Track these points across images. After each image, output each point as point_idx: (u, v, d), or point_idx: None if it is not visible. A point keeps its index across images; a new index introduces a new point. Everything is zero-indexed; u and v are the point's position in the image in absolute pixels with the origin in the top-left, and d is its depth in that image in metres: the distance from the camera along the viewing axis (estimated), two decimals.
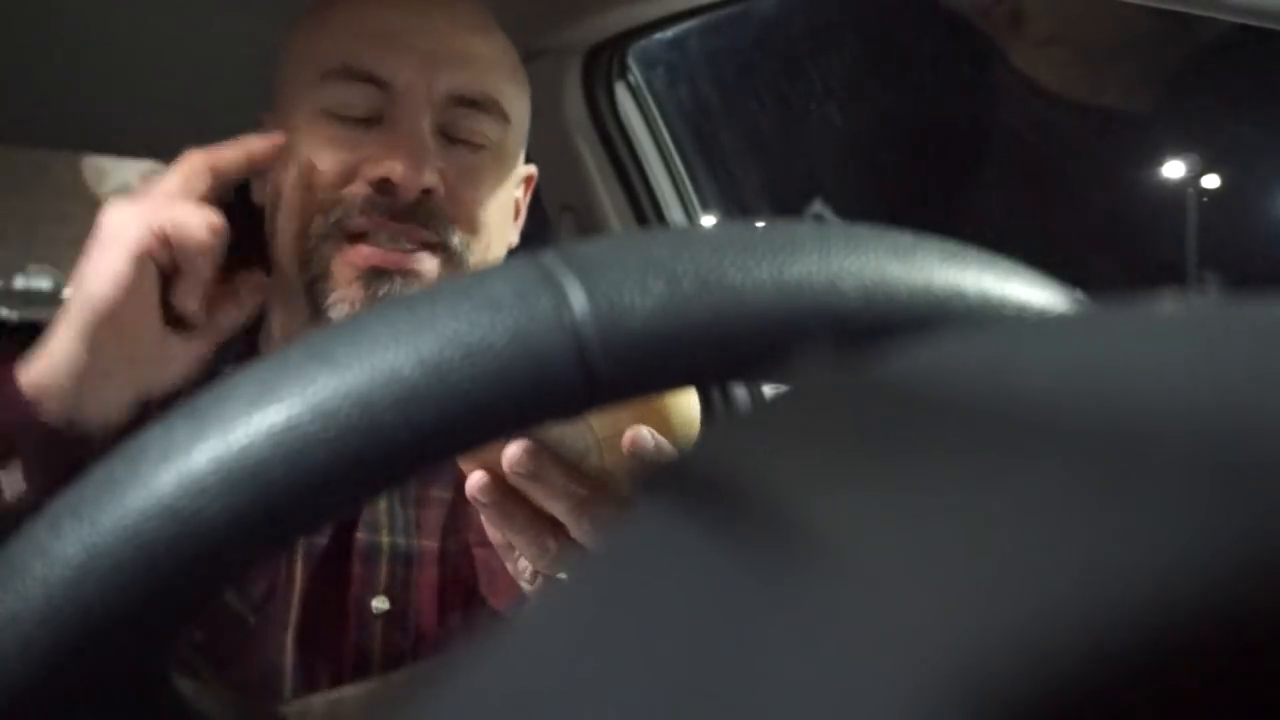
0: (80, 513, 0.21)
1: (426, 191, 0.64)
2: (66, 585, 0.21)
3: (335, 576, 0.66)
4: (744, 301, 0.23)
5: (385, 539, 0.67)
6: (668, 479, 0.15)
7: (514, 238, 0.76)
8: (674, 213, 1.23)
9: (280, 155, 0.66)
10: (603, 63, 1.20)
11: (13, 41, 1.17)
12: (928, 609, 0.11)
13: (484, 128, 0.67)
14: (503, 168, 0.69)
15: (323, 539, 0.67)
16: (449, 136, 0.67)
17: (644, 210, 1.22)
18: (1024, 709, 0.10)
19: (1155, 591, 0.10)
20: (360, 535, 0.67)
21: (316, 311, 0.66)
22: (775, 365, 0.24)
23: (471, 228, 0.67)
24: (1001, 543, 0.11)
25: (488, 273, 0.24)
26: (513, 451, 0.42)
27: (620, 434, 0.43)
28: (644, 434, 0.42)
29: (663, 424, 0.44)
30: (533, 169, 0.78)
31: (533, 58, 1.19)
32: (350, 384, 0.22)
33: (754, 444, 0.16)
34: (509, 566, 0.48)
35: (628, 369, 0.23)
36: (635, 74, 1.24)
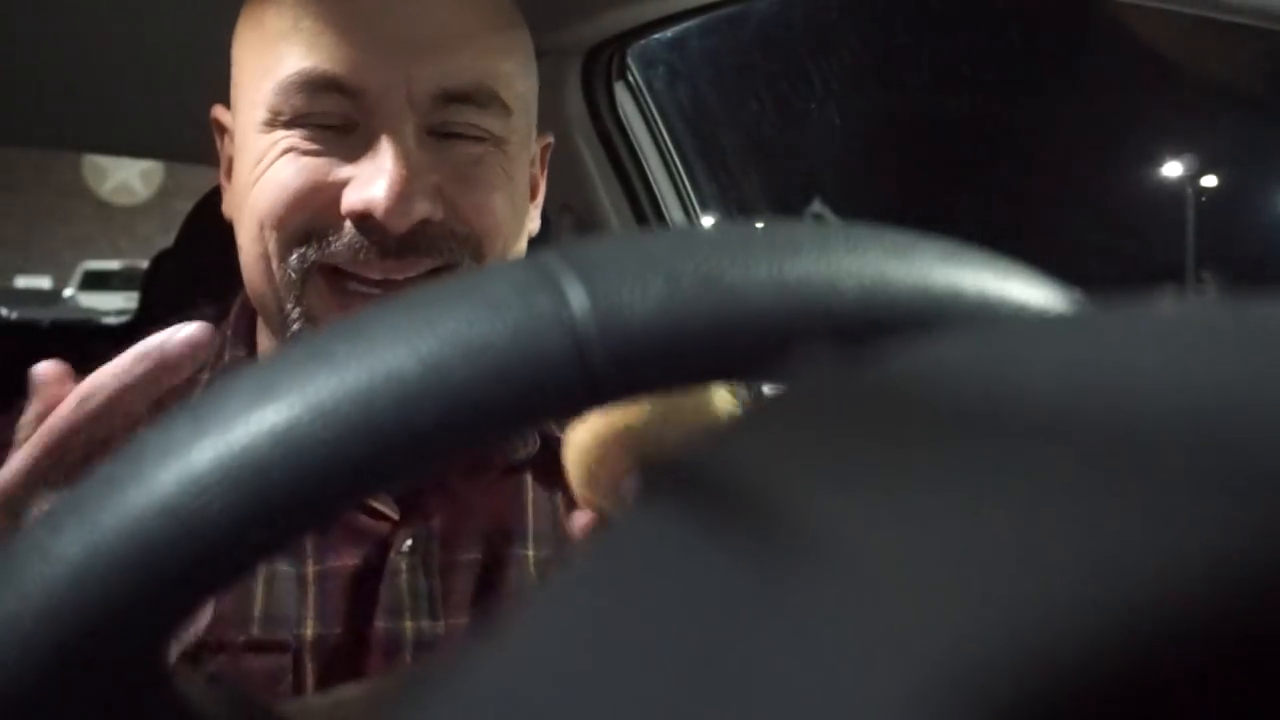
0: (80, 512, 0.21)
1: (423, 221, 0.54)
2: (66, 585, 0.21)
3: (352, 673, 0.57)
4: (744, 301, 0.23)
5: (408, 624, 0.58)
6: (668, 478, 0.16)
7: (535, 224, 0.65)
8: (674, 213, 1.23)
9: (242, 166, 0.58)
10: (603, 63, 1.20)
11: (13, 41, 1.17)
12: (928, 609, 0.11)
13: (482, 122, 0.56)
14: (511, 160, 0.58)
15: (336, 629, 0.57)
16: (440, 134, 0.55)
17: (644, 210, 1.22)
18: (1024, 709, 0.10)
19: (1156, 592, 0.10)
20: (379, 624, 0.57)
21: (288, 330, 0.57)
22: (775, 365, 0.24)
23: (484, 239, 0.56)
24: (1002, 543, 0.11)
25: (488, 272, 0.24)
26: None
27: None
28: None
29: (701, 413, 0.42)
30: (549, 137, 0.67)
31: None
32: (350, 384, 0.22)
33: (754, 444, 0.16)
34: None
35: (628, 369, 0.23)
36: (635, 74, 1.24)
